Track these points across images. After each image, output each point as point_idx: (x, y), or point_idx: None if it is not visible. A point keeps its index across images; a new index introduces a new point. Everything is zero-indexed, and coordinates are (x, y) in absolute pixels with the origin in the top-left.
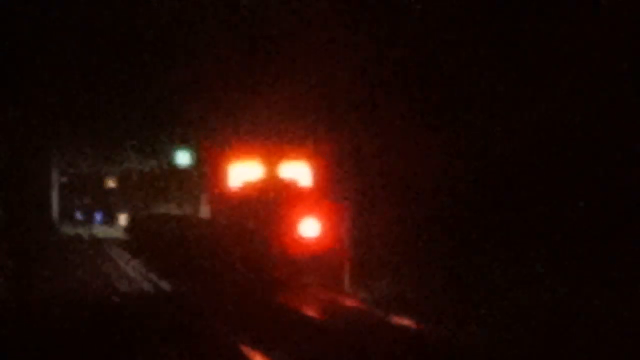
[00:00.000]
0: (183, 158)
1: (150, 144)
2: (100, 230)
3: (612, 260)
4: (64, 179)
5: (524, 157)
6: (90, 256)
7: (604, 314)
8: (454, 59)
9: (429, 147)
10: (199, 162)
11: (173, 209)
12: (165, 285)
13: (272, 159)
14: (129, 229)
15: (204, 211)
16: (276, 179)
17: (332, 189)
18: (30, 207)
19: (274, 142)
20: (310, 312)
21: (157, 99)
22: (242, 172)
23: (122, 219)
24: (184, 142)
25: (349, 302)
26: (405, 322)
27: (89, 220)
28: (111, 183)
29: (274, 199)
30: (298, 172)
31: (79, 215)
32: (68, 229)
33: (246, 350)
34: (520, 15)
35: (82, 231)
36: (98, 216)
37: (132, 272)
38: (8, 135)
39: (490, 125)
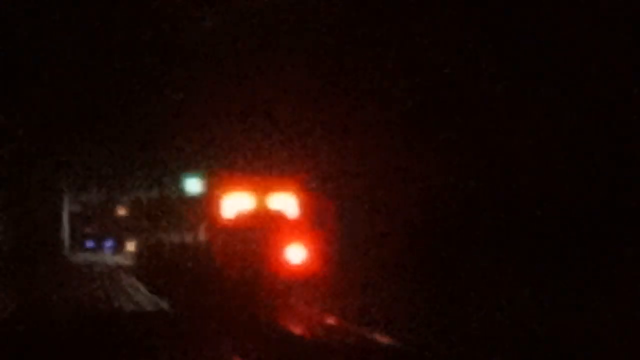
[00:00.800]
0: (192, 185)
1: (160, 171)
2: (110, 258)
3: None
4: (75, 208)
5: (508, 170)
6: (96, 280)
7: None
8: (437, 66)
9: (408, 169)
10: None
11: (179, 236)
12: (165, 305)
13: (262, 191)
14: (136, 256)
15: (203, 238)
16: (266, 209)
17: (316, 217)
18: (40, 235)
19: (264, 175)
20: (293, 328)
21: (167, 125)
22: (236, 203)
23: (131, 247)
24: (194, 170)
25: (331, 320)
26: (378, 336)
27: (98, 248)
28: (121, 211)
29: (263, 228)
30: (285, 203)
31: (89, 244)
32: (77, 257)
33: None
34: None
35: (92, 258)
36: (108, 244)
37: (137, 294)
38: (19, 163)
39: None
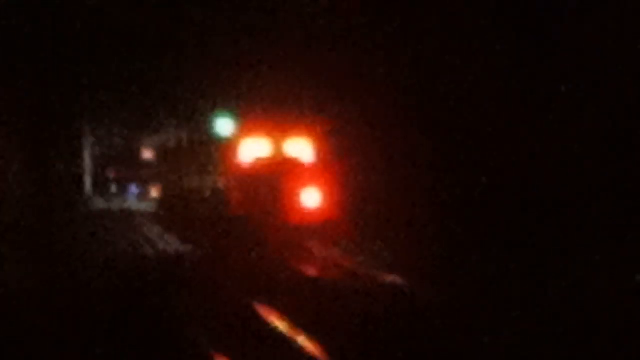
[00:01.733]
0: (223, 127)
1: (190, 111)
2: (134, 204)
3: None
4: (98, 151)
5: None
6: (120, 227)
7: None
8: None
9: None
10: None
11: (203, 182)
12: (184, 248)
13: (278, 137)
14: (159, 203)
15: (221, 184)
16: (281, 155)
17: (333, 163)
18: (61, 180)
19: (280, 120)
20: (308, 270)
21: (195, 64)
22: (251, 148)
23: (156, 193)
24: (225, 108)
25: (345, 262)
26: (393, 280)
27: (123, 193)
28: (146, 154)
29: (278, 174)
30: (301, 148)
31: (113, 188)
32: (101, 203)
33: (247, 300)
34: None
35: (115, 204)
36: (132, 189)
37: (159, 240)
38: (37, 104)
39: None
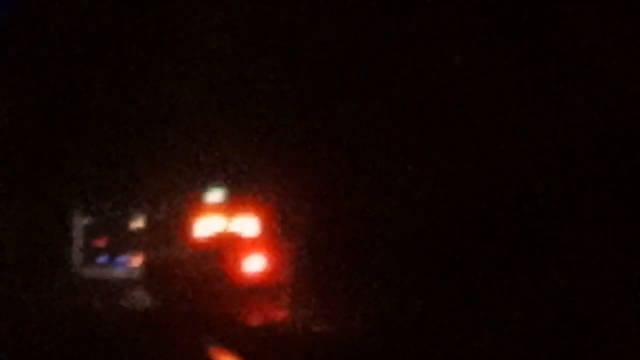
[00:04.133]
0: (215, 199)
1: (183, 183)
2: (122, 272)
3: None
4: (88, 221)
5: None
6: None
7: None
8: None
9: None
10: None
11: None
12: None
13: (227, 213)
14: (142, 269)
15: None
16: (230, 230)
17: (278, 234)
18: (48, 249)
19: (229, 199)
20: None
21: (189, 136)
22: (204, 225)
23: (138, 262)
24: (217, 181)
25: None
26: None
27: (111, 263)
28: (135, 225)
29: (225, 245)
30: (248, 223)
31: (101, 259)
32: (89, 272)
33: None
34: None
35: (104, 273)
36: (121, 259)
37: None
38: (26, 175)
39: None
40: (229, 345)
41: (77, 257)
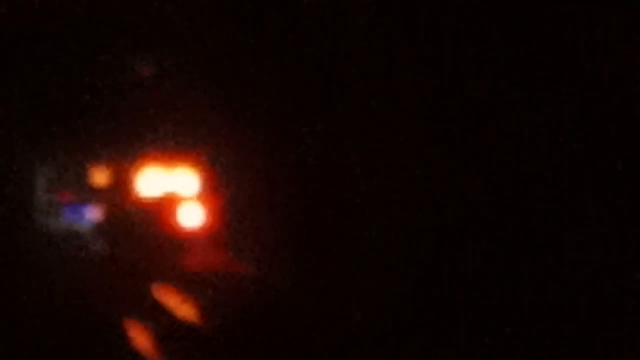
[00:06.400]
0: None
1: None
2: (84, 224)
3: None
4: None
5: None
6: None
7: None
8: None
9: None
10: None
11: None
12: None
13: (167, 169)
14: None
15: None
16: (169, 185)
17: (219, 185)
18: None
19: (169, 153)
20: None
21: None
22: (144, 181)
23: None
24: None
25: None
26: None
27: (74, 214)
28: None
29: (165, 201)
30: (188, 179)
31: (64, 211)
32: (52, 226)
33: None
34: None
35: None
36: (82, 210)
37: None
38: None
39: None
40: (171, 288)
41: (40, 213)
